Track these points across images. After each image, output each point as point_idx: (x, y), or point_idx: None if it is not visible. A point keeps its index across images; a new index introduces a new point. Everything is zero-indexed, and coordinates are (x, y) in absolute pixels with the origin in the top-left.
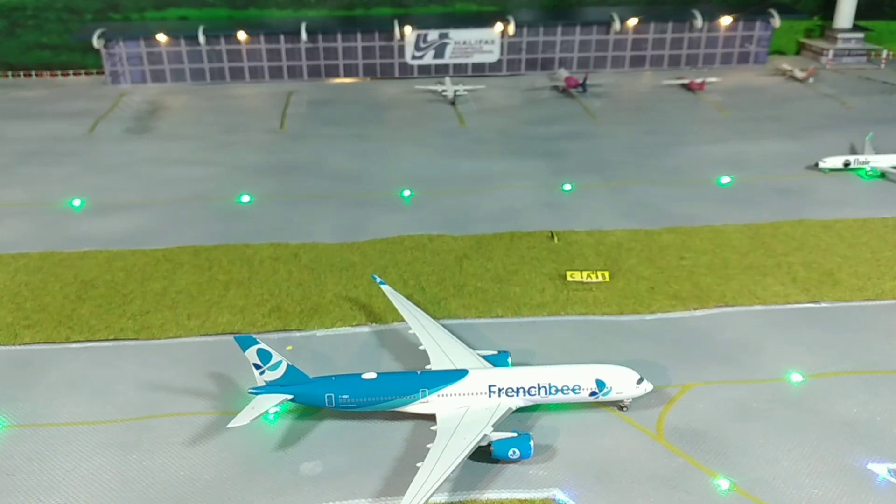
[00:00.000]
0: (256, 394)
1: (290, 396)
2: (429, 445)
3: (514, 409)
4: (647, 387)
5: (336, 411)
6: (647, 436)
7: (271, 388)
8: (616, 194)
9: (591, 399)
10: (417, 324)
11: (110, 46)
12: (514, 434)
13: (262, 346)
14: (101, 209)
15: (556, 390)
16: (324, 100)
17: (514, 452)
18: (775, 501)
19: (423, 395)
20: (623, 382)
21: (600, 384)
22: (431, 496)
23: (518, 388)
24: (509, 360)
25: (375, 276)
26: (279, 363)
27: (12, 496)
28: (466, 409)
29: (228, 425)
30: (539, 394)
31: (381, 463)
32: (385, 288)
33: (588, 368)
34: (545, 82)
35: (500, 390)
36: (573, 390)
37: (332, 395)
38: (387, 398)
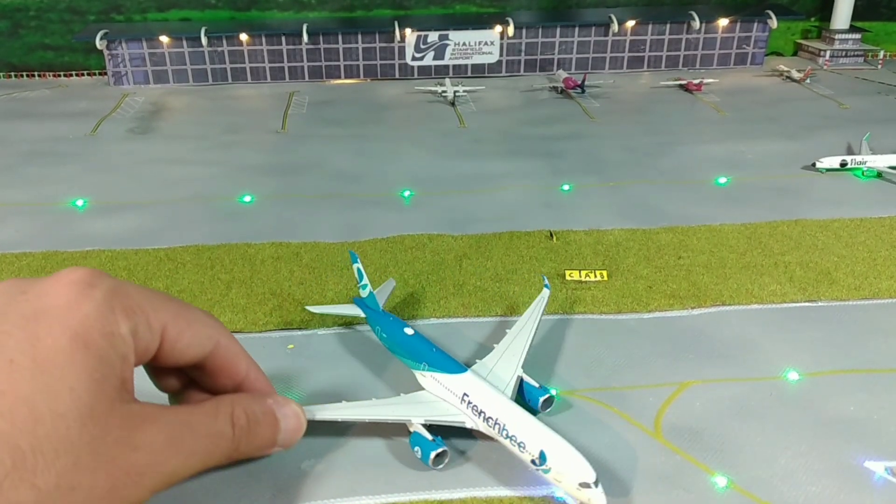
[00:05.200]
0: (355, 301)
1: (363, 316)
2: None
3: (465, 426)
4: (592, 496)
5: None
6: (645, 433)
7: (358, 302)
8: (614, 194)
9: (533, 467)
10: (521, 328)
11: (113, 47)
12: (431, 438)
13: (359, 265)
14: (104, 209)
15: (506, 436)
16: (325, 100)
17: (417, 451)
18: (772, 499)
19: (423, 369)
20: (566, 472)
21: (542, 457)
22: (321, 417)
23: (481, 412)
24: (544, 397)
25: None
26: (366, 286)
27: None
28: (437, 400)
29: (307, 306)
30: (492, 428)
31: (383, 461)
32: (546, 292)
33: (544, 432)
34: (544, 83)
35: (468, 403)
36: (519, 445)
37: (379, 328)
38: (405, 355)
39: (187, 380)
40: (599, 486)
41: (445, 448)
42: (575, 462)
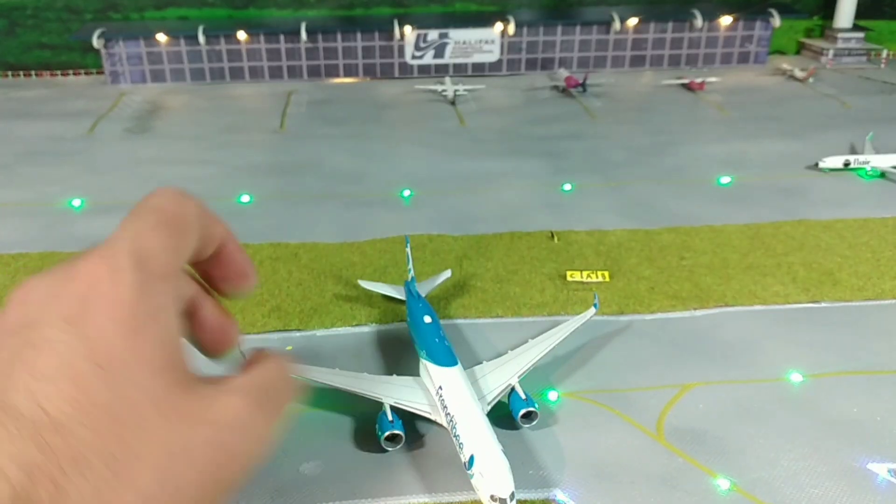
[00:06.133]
0: (405, 284)
1: (403, 298)
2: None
3: (430, 416)
4: None
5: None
6: (647, 436)
7: (406, 285)
8: (616, 194)
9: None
10: (543, 339)
11: (110, 46)
12: (391, 420)
13: (408, 250)
14: (101, 209)
15: (454, 434)
16: (324, 100)
17: (377, 429)
18: (775, 501)
19: (422, 356)
20: (485, 480)
21: (470, 461)
22: (311, 377)
23: (444, 406)
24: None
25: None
26: (411, 270)
27: None
28: (418, 388)
29: (359, 280)
30: (447, 424)
31: (383, 463)
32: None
33: (482, 439)
34: (545, 82)
35: (440, 396)
36: (459, 446)
37: (409, 311)
38: (416, 340)
39: None
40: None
41: (400, 432)
42: (496, 473)
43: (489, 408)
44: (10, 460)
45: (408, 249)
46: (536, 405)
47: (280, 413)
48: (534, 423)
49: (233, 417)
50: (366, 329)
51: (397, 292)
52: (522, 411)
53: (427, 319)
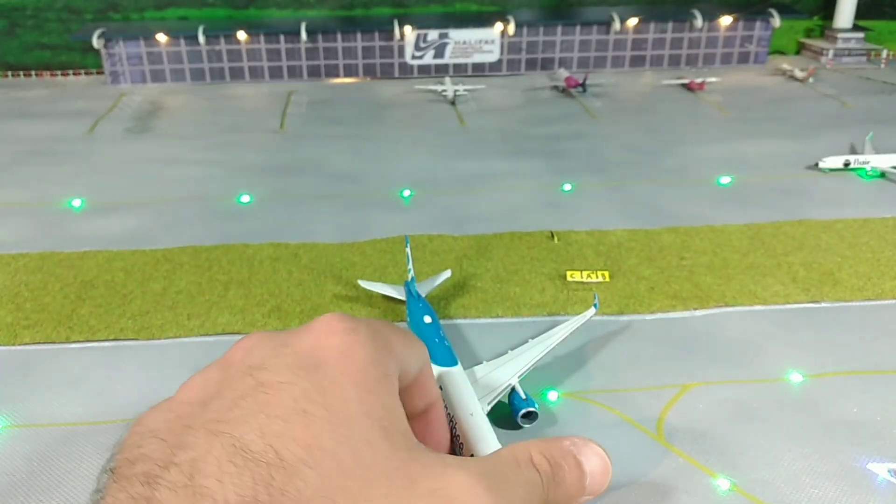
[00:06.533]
0: (405, 284)
1: (403, 299)
2: None
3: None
4: None
5: None
6: (648, 436)
7: (406, 285)
8: (616, 194)
9: None
10: (544, 339)
11: (110, 46)
12: None
13: (408, 250)
14: (101, 209)
15: (455, 434)
16: (324, 100)
17: None
18: (775, 501)
19: None
20: None
21: None
22: None
23: (444, 407)
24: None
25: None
26: (410, 270)
27: (12, 496)
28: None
29: (359, 280)
30: (447, 424)
31: None
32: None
33: (485, 437)
34: (545, 82)
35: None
36: (459, 446)
37: (409, 311)
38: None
39: None
40: None
41: None
42: None
43: (489, 408)
44: (235, 493)
45: (408, 249)
46: (537, 405)
47: None
48: (534, 422)
49: (457, 493)
50: None
51: (397, 292)
52: (523, 411)
53: (427, 319)
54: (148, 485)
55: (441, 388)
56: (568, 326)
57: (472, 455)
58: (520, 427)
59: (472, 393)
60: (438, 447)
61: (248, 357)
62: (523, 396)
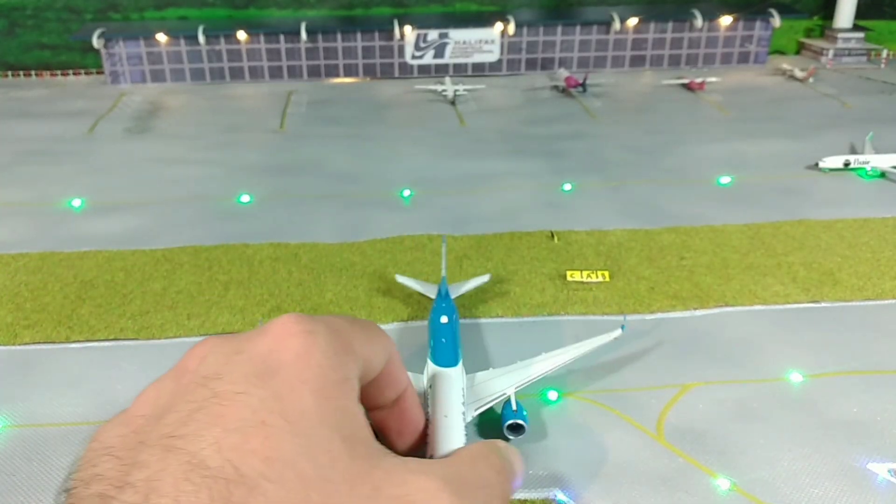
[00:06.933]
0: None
1: (432, 297)
2: None
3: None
4: None
5: None
6: (648, 436)
7: (442, 283)
8: (616, 194)
9: None
10: (559, 354)
11: (110, 46)
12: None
13: (443, 249)
14: (101, 209)
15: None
16: (324, 100)
17: None
18: (775, 501)
19: (428, 354)
20: None
21: None
22: None
23: (425, 406)
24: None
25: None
26: (444, 269)
27: (12, 496)
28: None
29: (397, 276)
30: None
31: None
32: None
33: (451, 441)
34: (545, 82)
35: (425, 393)
36: (424, 445)
37: (431, 310)
38: (429, 339)
39: None
40: None
41: None
42: None
43: (476, 413)
44: None
45: (444, 249)
46: (527, 419)
47: None
48: (520, 436)
49: (421, 499)
50: None
51: (430, 290)
52: (509, 422)
53: (443, 319)
54: None
55: (430, 387)
56: (588, 344)
57: (431, 456)
58: (507, 439)
59: (458, 396)
60: (415, 433)
61: (203, 366)
62: (514, 408)
